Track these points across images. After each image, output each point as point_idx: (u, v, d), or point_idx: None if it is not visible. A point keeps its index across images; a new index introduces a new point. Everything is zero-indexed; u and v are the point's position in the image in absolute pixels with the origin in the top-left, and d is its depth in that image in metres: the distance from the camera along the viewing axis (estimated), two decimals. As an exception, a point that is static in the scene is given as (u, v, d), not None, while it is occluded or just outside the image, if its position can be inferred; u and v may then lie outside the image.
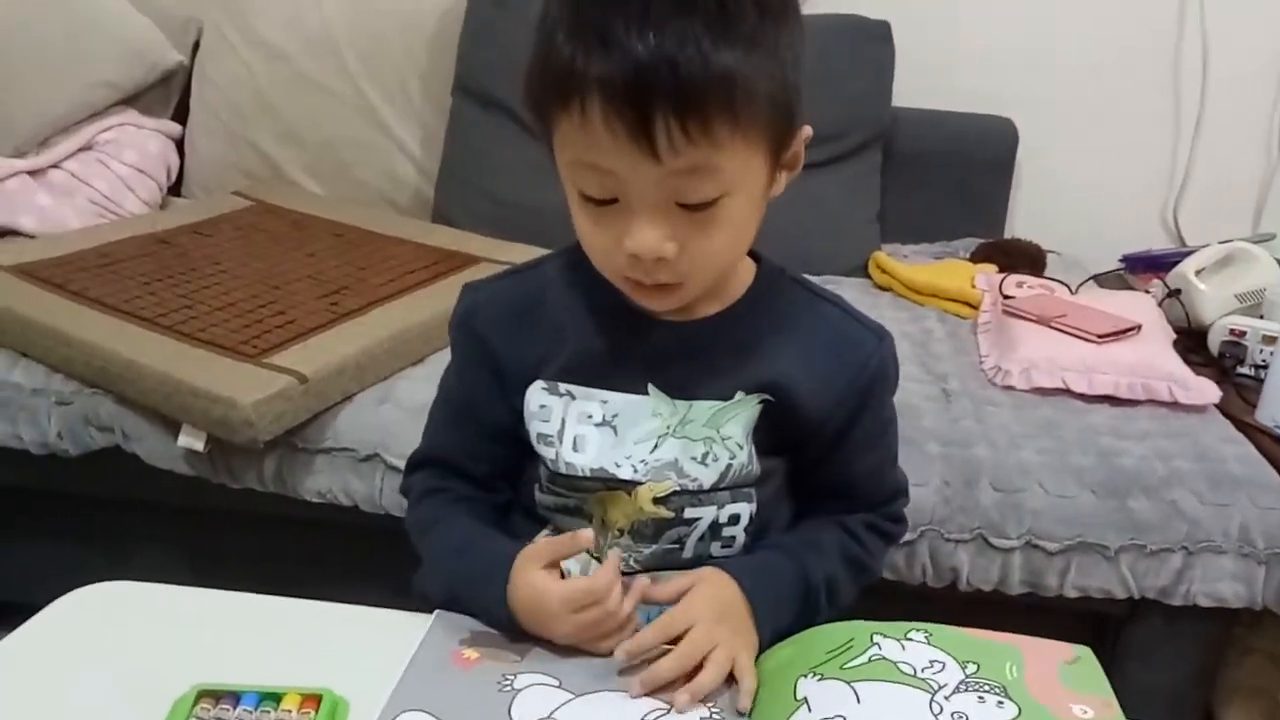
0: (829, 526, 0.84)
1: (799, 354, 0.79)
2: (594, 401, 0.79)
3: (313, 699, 0.67)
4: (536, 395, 0.80)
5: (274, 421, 1.20)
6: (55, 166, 1.76)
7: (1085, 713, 0.64)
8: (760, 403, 0.78)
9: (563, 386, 0.79)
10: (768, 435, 0.79)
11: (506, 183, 1.74)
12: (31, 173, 1.73)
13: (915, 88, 1.94)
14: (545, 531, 0.85)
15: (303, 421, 1.25)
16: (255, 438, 1.19)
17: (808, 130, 0.73)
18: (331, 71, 1.87)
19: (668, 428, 0.78)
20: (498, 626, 0.74)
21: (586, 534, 0.72)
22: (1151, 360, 1.42)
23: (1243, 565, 1.20)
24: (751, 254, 0.81)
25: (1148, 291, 1.79)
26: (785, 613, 0.76)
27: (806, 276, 0.85)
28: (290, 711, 0.65)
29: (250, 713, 0.65)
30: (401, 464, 1.01)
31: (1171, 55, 1.98)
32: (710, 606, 0.73)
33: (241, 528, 1.42)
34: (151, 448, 1.30)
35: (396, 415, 1.28)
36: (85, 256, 1.50)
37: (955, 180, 1.97)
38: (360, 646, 0.74)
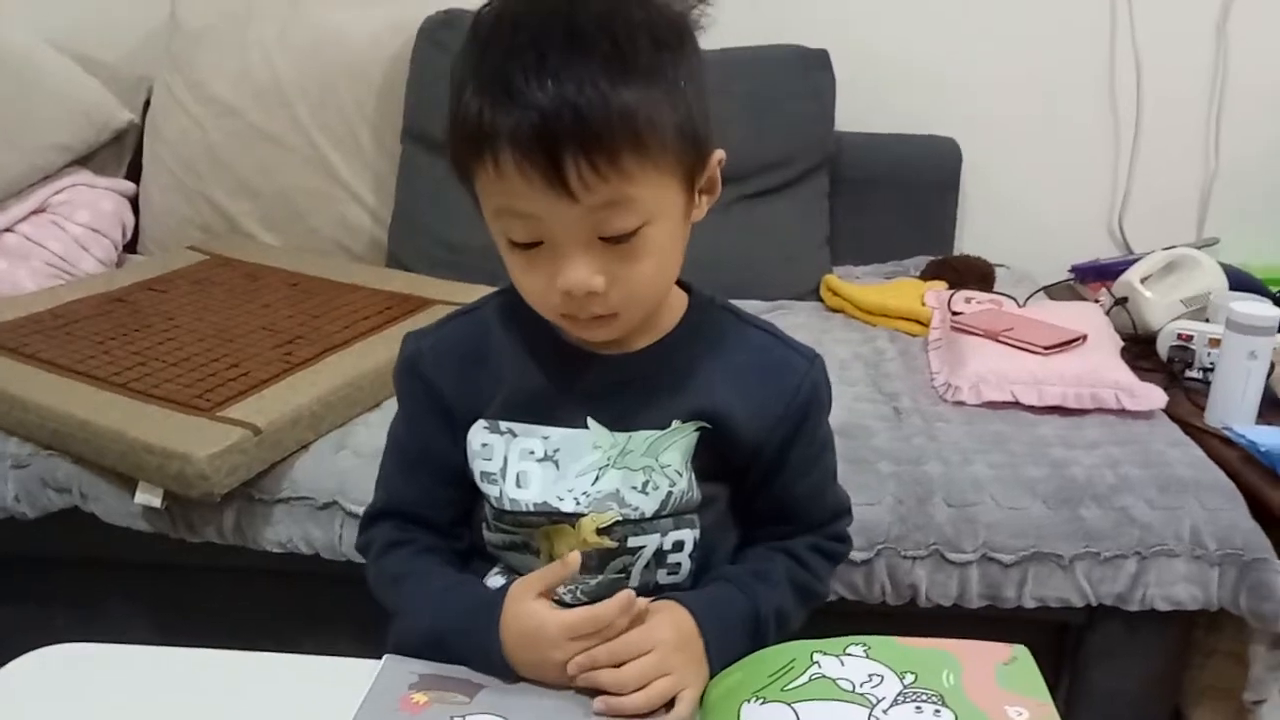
0: (776, 555, 0.85)
1: (732, 381, 0.80)
2: (535, 438, 0.80)
3: (261, 751, 0.67)
4: (478, 435, 0.81)
5: (229, 474, 1.20)
6: (8, 230, 1.77)
7: (1020, 715, 0.65)
8: (696, 430, 0.79)
9: (504, 424, 0.80)
10: (707, 462, 0.80)
11: (458, 225, 1.75)
12: (-15, 237, 1.74)
13: (858, 112, 1.98)
14: (495, 570, 0.86)
15: (259, 473, 1.26)
16: (211, 491, 1.19)
17: (720, 154, 0.75)
18: (282, 123, 1.89)
19: (608, 459, 0.79)
20: (489, 668, 0.73)
21: (575, 557, 0.73)
22: (1098, 369, 1.44)
23: (1196, 568, 1.22)
24: (683, 285, 0.83)
25: (1097, 301, 1.82)
26: (734, 645, 0.77)
27: (736, 304, 0.86)
28: (238, 764, 0.66)
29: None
30: (359, 510, 1.02)
31: (1107, 70, 2.03)
32: (670, 633, 0.74)
33: (205, 580, 1.42)
34: (109, 506, 1.30)
35: (353, 462, 1.28)
36: (40, 319, 1.50)
37: (903, 200, 2.00)
38: (315, 696, 0.74)
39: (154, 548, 1.33)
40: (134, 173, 1.98)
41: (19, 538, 1.37)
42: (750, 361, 0.82)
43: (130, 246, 1.96)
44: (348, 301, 1.60)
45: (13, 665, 0.78)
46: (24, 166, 1.80)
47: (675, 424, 0.79)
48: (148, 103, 1.99)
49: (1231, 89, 2.01)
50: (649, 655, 0.72)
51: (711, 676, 0.75)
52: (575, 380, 0.80)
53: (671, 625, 0.75)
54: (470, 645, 0.74)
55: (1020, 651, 0.72)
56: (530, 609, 0.73)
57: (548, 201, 0.67)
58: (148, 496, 1.25)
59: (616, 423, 0.80)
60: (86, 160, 1.91)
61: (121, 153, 1.98)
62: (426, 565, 0.83)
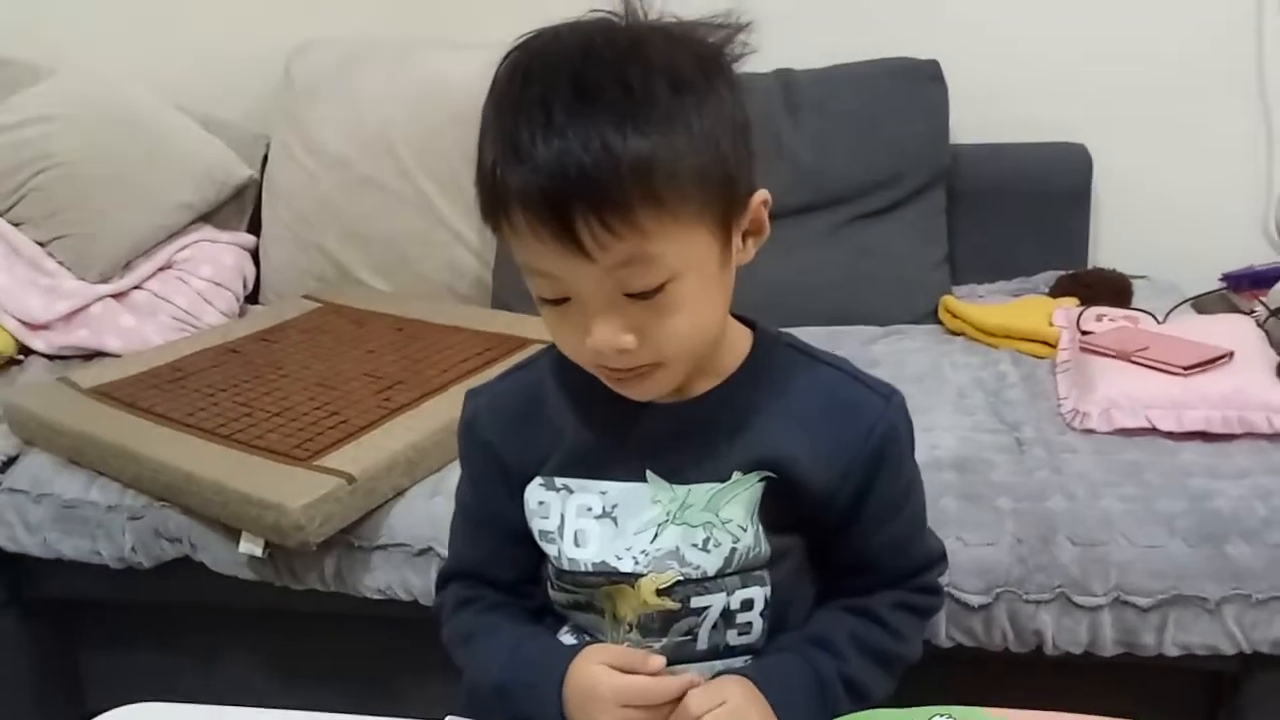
0: (843, 618, 0.79)
1: (798, 425, 0.75)
2: (592, 493, 0.77)
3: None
4: (534, 492, 0.78)
5: (324, 523, 1.21)
6: (137, 288, 1.86)
7: None
8: (760, 480, 0.74)
9: (559, 481, 0.77)
10: (776, 513, 0.75)
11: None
12: (115, 296, 1.83)
13: (975, 122, 1.88)
14: (565, 629, 0.83)
15: (357, 520, 1.26)
16: (307, 540, 1.20)
17: (763, 194, 0.70)
18: (389, 171, 1.92)
19: (667, 514, 0.75)
20: (546, 716, 0.73)
21: (658, 660, 0.70)
22: (1247, 390, 1.31)
23: (1368, 610, 1.08)
24: (748, 322, 0.78)
25: (1251, 312, 1.66)
26: (800, 707, 0.72)
27: (807, 342, 0.81)
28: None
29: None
30: None
31: (1254, 58, 1.87)
32: (740, 690, 0.71)
33: (313, 626, 1.44)
34: (217, 555, 1.33)
35: (448, 507, 1.22)
36: (159, 373, 1.56)
37: (1029, 213, 1.89)
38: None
39: (262, 595, 1.35)
40: (254, 226, 2.06)
41: (138, 586, 1.42)
42: (818, 403, 0.76)
43: (252, 297, 2.03)
44: (450, 344, 1.61)
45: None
46: (152, 226, 1.89)
47: (736, 475, 0.74)
48: (266, 158, 2.06)
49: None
50: (724, 706, 0.69)
51: None
52: (631, 431, 0.76)
53: (739, 683, 0.72)
54: (533, 696, 0.74)
55: None
56: (592, 671, 0.72)
57: (565, 261, 0.63)
58: (250, 546, 1.27)
59: (676, 475, 0.75)
60: (209, 216, 1.99)
61: (242, 207, 2.06)
62: (495, 620, 0.82)
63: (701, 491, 0.75)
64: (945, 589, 1.11)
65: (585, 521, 0.76)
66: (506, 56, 0.67)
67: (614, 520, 0.76)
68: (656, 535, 0.75)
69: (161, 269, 1.88)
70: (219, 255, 1.94)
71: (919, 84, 1.82)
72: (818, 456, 0.74)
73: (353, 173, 1.95)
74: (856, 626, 0.78)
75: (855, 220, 1.78)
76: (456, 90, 1.92)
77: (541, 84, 0.63)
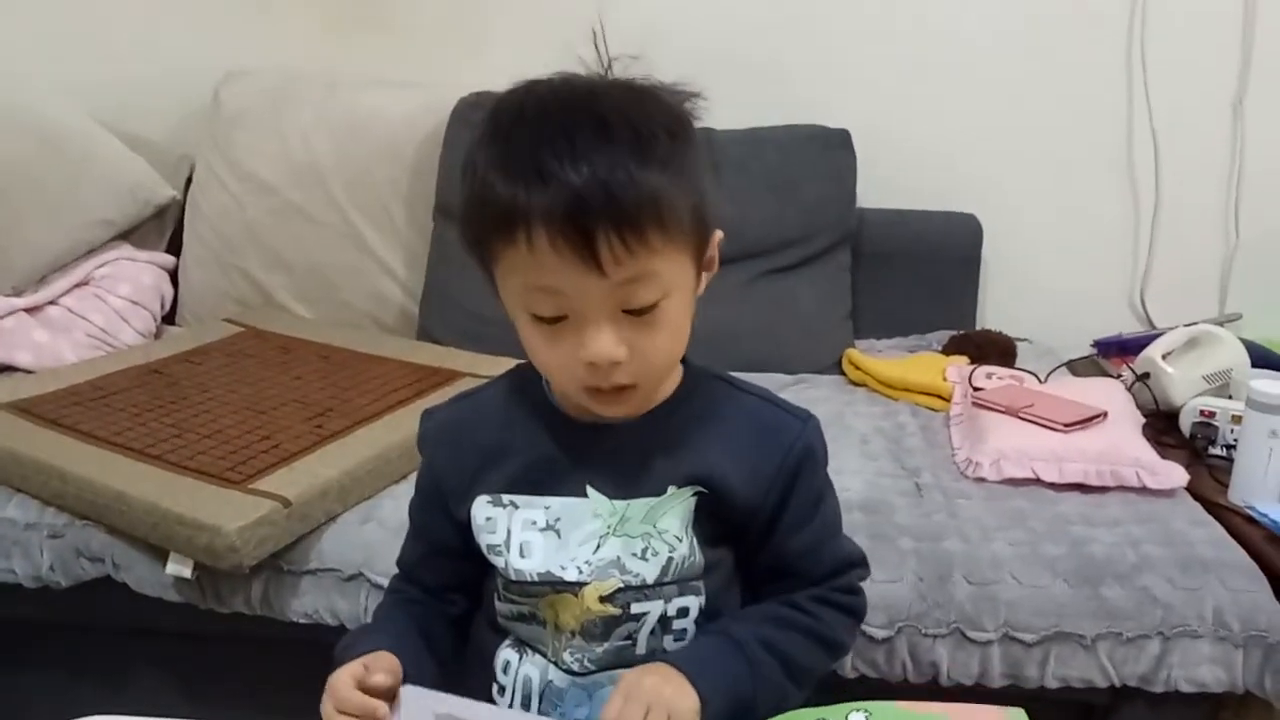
0: (760, 605, 0.87)
1: (726, 446, 0.83)
2: (537, 509, 0.83)
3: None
4: (481, 509, 0.84)
5: (258, 546, 1.23)
6: (52, 303, 1.83)
7: None
8: (694, 495, 0.82)
9: (505, 498, 0.84)
10: (708, 527, 0.83)
11: (487, 299, 1.77)
12: (29, 310, 1.80)
13: (880, 187, 2.02)
14: (506, 642, 0.87)
15: (287, 544, 1.28)
16: (240, 563, 1.22)
17: (719, 234, 0.81)
18: (318, 201, 1.95)
19: (608, 527, 0.82)
20: None
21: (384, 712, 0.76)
22: (1119, 447, 1.45)
23: (1220, 649, 1.21)
24: (680, 359, 0.86)
25: (1119, 376, 1.82)
26: (719, 668, 0.79)
27: (732, 374, 0.90)
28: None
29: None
30: (384, 581, 1.08)
31: (1125, 147, 2.06)
32: (636, 675, 0.77)
33: (233, 651, 1.43)
34: (140, 576, 1.32)
35: (380, 534, 1.31)
36: (79, 390, 1.55)
37: (924, 275, 2.03)
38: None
39: (183, 618, 1.35)
40: (174, 246, 2.05)
41: (52, 606, 1.39)
42: (743, 426, 0.85)
43: (169, 318, 2.02)
44: (378, 374, 1.64)
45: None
46: (69, 241, 1.87)
47: (671, 489, 0.82)
48: (189, 180, 2.06)
49: (1250, 166, 2.03)
50: (626, 706, 0.73)
51: (705, 702, 0.75)
52: (574, 450, 0.83)
53: (634, 673, 0.78)
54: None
55: (1016, 714, 0.73)
56: (338, 675, 0.78)
57: (577, 276, 0.71)
58: (178, 567, 1.27)
59: (616, 491, 0.82)
60: (128, 235, 1.97)
61: (163, 227, 2.05)
62: (394, 615, 0.91)
63: (639, 505, 0.82)
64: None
65: (530, 534, 0.83)
66: (505, 97, 0.76)
67: (557, 533, 0.83)
68: (599, 546, 0.82)
69: (78, 285, 1.86)
70: (138, 274, 1.92)
71: (831, 150, 1.94)
72: (744, 473, 0.83)
73: (279, 199, 1.96)
74: (770, 607, 0.86)
75: (769, 274, 1.88)
76: (388, 127, 1.97)
77: (561, 116, 0.72)
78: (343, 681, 0.76)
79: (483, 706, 0.79)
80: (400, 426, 1.45)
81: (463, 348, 1.76)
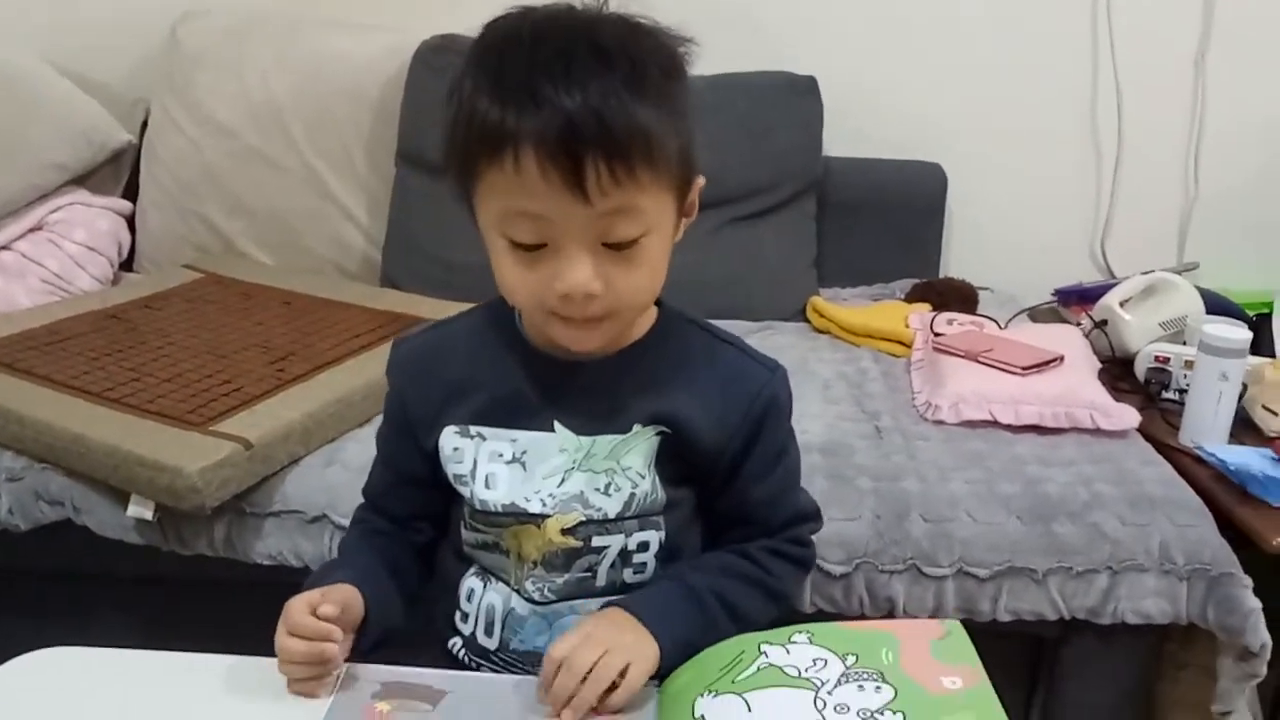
0: (718, 552, 0.89)
1: (694, 389, 0.84)
2: (504, 441, 0.84)
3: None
4: (449, 439, 0.85)
5: (220, 488, 1.22)
6: (5, 248, 1.80)
7: (954, 683, 0.69)
8: (657, 434, 0.83)
9: (473, 429, 0.84)
10: (671, 466, 0.84)
11: (451, 245, 1.79)
12: (-18, 255, 1.77)
13: (846, 137, 2.02)
14: (471, 570, 0.88)
15: (250, 486, 1.28)
16: (203, 504, 1.22)
17: (701, 180, 0.80)
18: (278, 144, 1.92)
19: (573, 462, 0.83)
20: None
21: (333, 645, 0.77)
22: (1074, 390, 1.48)
23: (1166, 582, 1.24)
24: (655, 300, 0.87)
25: (1079, 324, 1.85)
26: (678, 618, 0.80)
27: (707, 320, 0.90)
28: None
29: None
30: (348, 523, 1.07)
31: (1089, 99, 2.07)
32: (593, 624, 0.78)
33: (195, 594, 1.44)
34: (102, 519, 1.32)
35: (343, 477, 1.31)
36: (35, 334, 1.53)
37: (889, 224, 2.03)
38: (280, 706, 0.77)
39: (145, 561, 1.35)
40: (130, 192, 2.02)
41: (11, 550, 1.39)
42: (713, 372, 0.86)
43: (126, 265, 1.99)
44: (340, 319, 1.63)
45: (6, 668, 0.80)
46: (21, 185, 1.83)
47: (636, 428, 0.83)
48: (145, 123, 2.02)
49: (1211, 119, 2.05)
50: (575, 652, 0.74)
51: (664, 648, 0.77)
52: (543, 386, 0.84)
53: (592, 619, 0.79)
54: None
55: (953, 626, 0.76)
56: (295, 601, 0.79)
57: (562, 203, 0.71)
58: (140, 509, 1.27)
59: (583, 427, 0.83)
60: (83, 180, 1.94)
61: (119, 172, 2.01)
62: (361, 546, 0.91)
63: (605, 442, 0.83)
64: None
65: (496, 466, 0.84)
66: (499, 20, 0.75)
67: (523, 465, 0.83)
68: (563, 480, 0.83)
69: (32, 230, 1.83)
70: (93, 220, 1.89)
71: (798, 97, 1.94)
72: (709, 417, 0.84)
73: (239, 143, 1.93)
74: (727, 558, 0.88)
75: (735, 221, 1.89)
76: (350, 70, 1.94)
77: (557, 43, 0.71)
78: (297, 607, 0.77)
79: (430, 673, 0.79)
80: (363, 371, 1.45)
81: (426, 295, 1.75)
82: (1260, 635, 1.20)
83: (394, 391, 0.90)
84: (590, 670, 0.73)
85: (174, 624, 1.48)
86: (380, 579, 0.86)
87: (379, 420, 0.95)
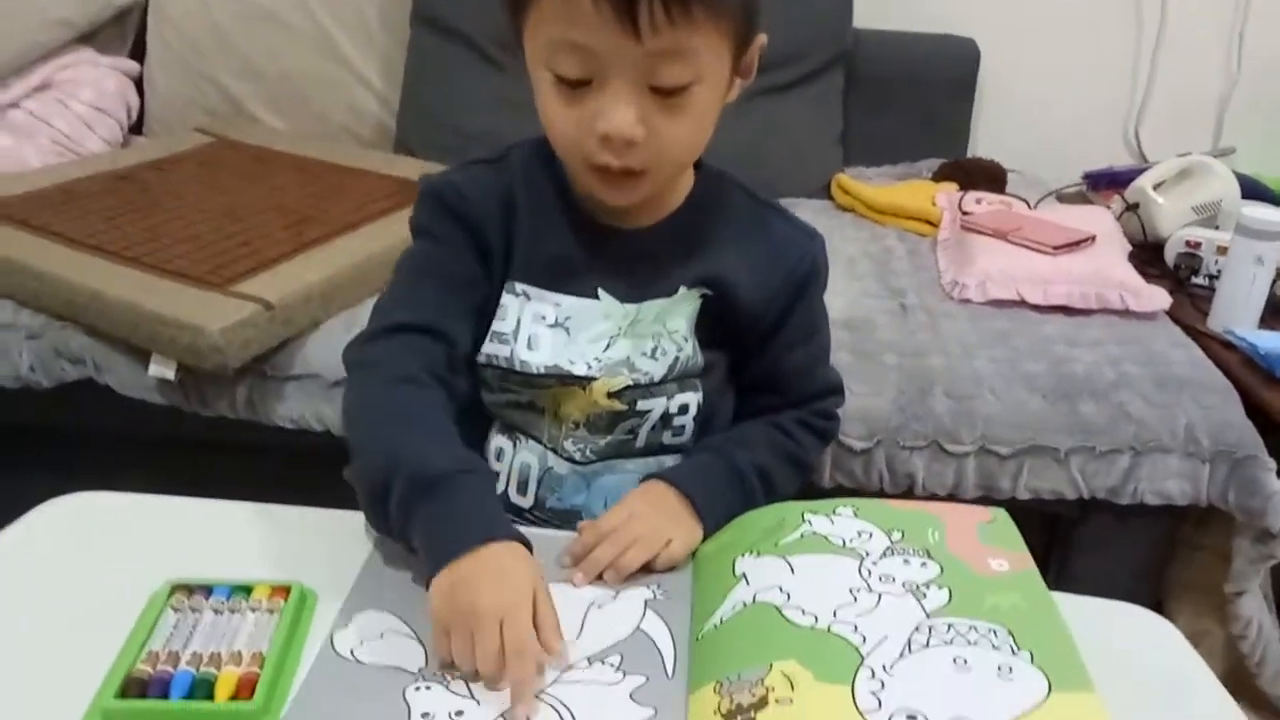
0: (758, 425, 0.88)
1: (737, 251, 0.82)
2: (548, 303, 0.82)
3: (282, 590, 0.69)
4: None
5: (242, 348, 1.21)
6: (14, 106, 1.76)
7: (1001, 565, 0.68)
8: (701, 296, 0.82)
9: (519, 286, 0.82)
10: (709, 329, 0.83)
11: (467, 112, 1.74)
12: (-10, 112, 1.73)
13: (877, 9, 1.95)
14: (494, 429, 0.87)
15: (272, 349, 1.27)
16: (224, 364, 1.21)
17: (763, 38, 0.76)
18: (289, 4, 1.85)
19: (618, 329, 0.81)
20: (427, 550, 0.68)
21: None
22: (1105, 270, 1.45)
23: (1188, 464, 1.24)
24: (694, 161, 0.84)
25: (1108, 207, 1.81)
26: (723, 501, 0.80)
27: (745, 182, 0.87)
28: (261, 601, 0.68)
29: (223, 603, 0.68)
30: None
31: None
32: (640, 502, 0.78)
33: (217, 457, 1.44)
34: (123, 378, 1.32)
35: (364, 341, 1.30)
36: (47, 194, 1.50)
37: (918, 101, 1.98)
38: (328, 546, 0.76)
39: (169, 422, 1.35)
40: (138, 55, 1.96)
41: (36, 409, 1.39)
42: (756, 234, 0.84)
43: (135, 128, 1.95)
44: (356, 185, 1.60)
45: (36, 511, 0.80)
46: (26, 41, 1.78)
47: (681, 290, 0.81)
48: (151, -20, 1.95)
49: (1257, -5, 1.97)
50: (627, 522, 0.75)
51: (706, 530, 0.77)
52: (589, 252, 0.81)
53: (637, 498, 0.78)
54: (456, 516, 0.68)
55: (1000, 514, 0.76)
56: (521, 565, 0.66)
57: (611, 37, 0.67)
58: (161, 368, 1.26)
59: (628, 294, 0.81)
60: (89, 39, 1.88)
61: (124, 32, 1.95)
62: (445, 422, 0.75)
63: (650, 307, 0.81)
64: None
65: (539, 328, 0.81)
66: None
67: (566, 330, 0.81)
68: (608, 345, 0.81)
69: (39, 89, 1.78)
70: (100, 79, 1.84)
71: (829, -37, 1.86)
72: (752, 280, 0.82)
73: (248, 2, 1.87)
74: (768, 431, 0.88)
75: (760, 93, 1.82)
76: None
77: None
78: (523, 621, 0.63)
79: None
80: (381, 236, 1.42)
81: (441, 161, 1.71)
82: (1280, 517, 1.21)
83: (460, 220, 0.79)
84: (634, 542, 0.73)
85: (198, 485, 1.50)
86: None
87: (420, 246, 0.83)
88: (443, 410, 0.76)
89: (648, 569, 0.74)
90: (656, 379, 0.82)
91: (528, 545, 0.68)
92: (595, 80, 0.70)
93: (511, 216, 0.81)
